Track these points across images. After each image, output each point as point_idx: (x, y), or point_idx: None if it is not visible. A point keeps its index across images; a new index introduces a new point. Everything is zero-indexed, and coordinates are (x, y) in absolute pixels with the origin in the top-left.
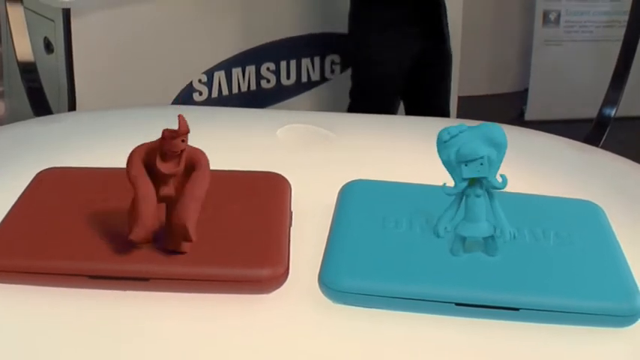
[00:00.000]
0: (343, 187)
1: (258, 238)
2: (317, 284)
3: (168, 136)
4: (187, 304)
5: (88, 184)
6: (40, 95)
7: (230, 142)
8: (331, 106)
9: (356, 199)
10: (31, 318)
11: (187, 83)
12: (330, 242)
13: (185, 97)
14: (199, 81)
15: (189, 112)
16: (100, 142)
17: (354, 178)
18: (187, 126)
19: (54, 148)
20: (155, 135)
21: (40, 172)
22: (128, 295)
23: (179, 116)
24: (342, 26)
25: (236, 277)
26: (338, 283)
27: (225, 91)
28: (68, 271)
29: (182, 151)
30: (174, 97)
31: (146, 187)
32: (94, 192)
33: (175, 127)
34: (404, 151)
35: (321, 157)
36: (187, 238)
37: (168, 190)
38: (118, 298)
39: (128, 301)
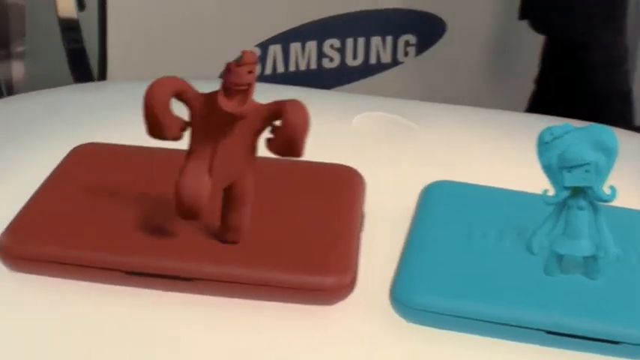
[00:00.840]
0: (425, 188)
1: (323, 241)
2: (387, 298)
3: (234, 64)
4: (235, 311)
5: (131, 164)
6: (82, 58)
7: None
8: (402, 94)
9: (439, 203)
10: (55, 314)
11: (238, 56)
12: (407, 251)
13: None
14: None
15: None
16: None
17: (438, 179)
18: (255, 54)
19: (94, 120)
20: None
21: (77, 146)
22: (168, 296)
23: (243, 51)
24: (420, 2)
25: (295, 283)
26: (412, 298)
27: (280, 68)
28: (101, 264)
29: (249, 85)
30: (220, 71)
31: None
32: (137, 173)
33: None
34: (499, 151)
35: (402, 152)
36: (241, 230)
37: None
38: (156, 299)
39: (167, 303)
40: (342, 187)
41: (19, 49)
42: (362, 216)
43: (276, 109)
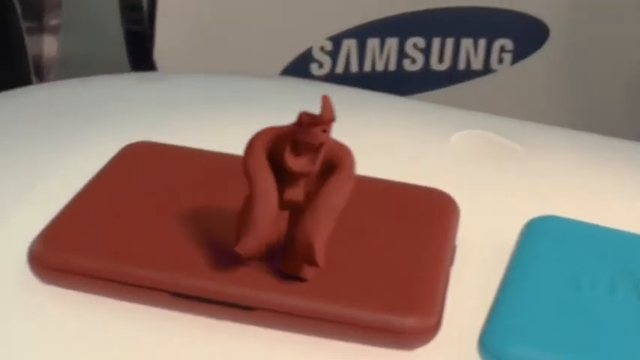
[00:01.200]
0: (529, 222)
1: (406, 275)
2: (476, 347)
3: (307, 122)
4: (299, 348)
5: (188, 170)
6: (143, 43)
7: (385, 141)
8: (493, 107)
9: (544, 242)
10: (89, 336)
11: (305, 50)
12: (501, 294)
13: (299, 69)
14: (321, 49)
15: (333, 92)
16: (209, 117)
17: (544, 213)
18: (333, 112)
19: (150, 115)
20: (281, 118)
21: (128, 145)
22: (223, 326)
23: (324, 98)
24: (521, 3)
25: (370, 322)
26: (504, 349)
27: (354, 67)
28: (144, 281)
29: (321, 144)
30: (284, 65)
31: (267, 185)
32: (194, 181)
33: (312, 109)
34: (617, 185)
35: (505, 178)
36: (312, 262)
37: (295, 193)
38: (209, 329)
39: (222, 333)
40: (432, 213)
41: (54, 21)
42: (453, 249)
43: (332, 164)
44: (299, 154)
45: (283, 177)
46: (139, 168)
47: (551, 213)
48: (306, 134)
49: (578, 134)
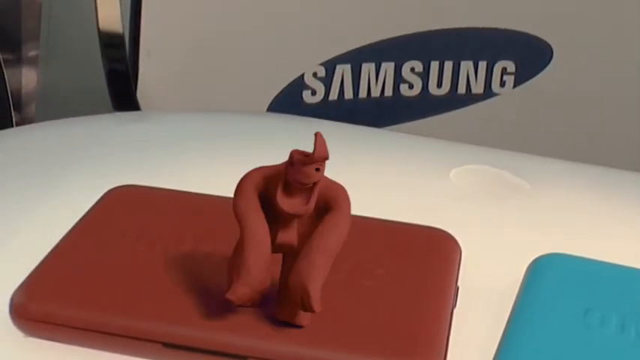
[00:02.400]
0: (534, 261)
1: (407, 318)
2: None
3: (299, 161)
4: None
5: (174, 213)
6: (125, 82)
7: (382, 180)
8: (496, 133)
9: (550, 281)
10: None
11: (296, 77)
12: (508, 336)
13: (291, 97)
14: (314, 75)
15: (326, 129)
16: (194, 157)
17: (550, 251)
18: (326, 150)
19: (134, 157)
20: (268, 156)
21: (112, 189)
22: None
23: (316, 135)
24: (523, 22)
25: None
26: None
27: (348, 94)
28: (133, 332)
29: (315, 184)
30: (275, 94)
31: (258, 228)
32: (180, 225)
33: (300, 146)
34: (628, 222)
35: (508, 216)
36: (308, 307)
37: (288, 236)
38: None
39: None
40: (433, 254)
41: (32, 52)
42: (456, 290)
43: (327, 204)
44: (291, 194)
45: (276, 218)
46: (123, 213)
47: (556, 250)
48: (299, 174)
49: (582, 167)
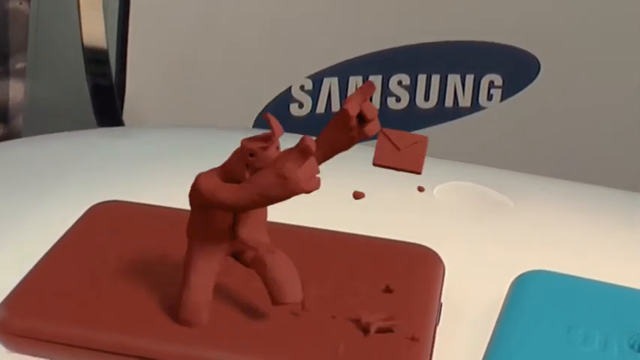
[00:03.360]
0: (517, 278)
1: (390, 335)
2: None
3: (258, 145)
4: None
5: (157, 229)
6: (109, 97)
7: (366, 196)
8: (483, 146)
9: (533, 298)
10: None
11: (283, 90)
12: (491, 353)
13: (279, 109)
14: (301, 88)
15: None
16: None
17: (533, 268)
18: (280, 127)
19: (117, 172)
20: None
21: (95, 205)
22: None
23: (266, 115)
24: (510, 36)
25: None
26: None
27: (335, 106)
28: (116, 347)
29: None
30: (262, 107)
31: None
32: (165, 241)
33: None
34: (612, 238)
35: (491, 233)
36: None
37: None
38: None
39: None
40: (416, 270)
41: (19, 65)
42: (439, 308)
43: None
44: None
45: None
46: (107, 229)
47: (540, 267)
48: (261, 157)
49: (565, 184)
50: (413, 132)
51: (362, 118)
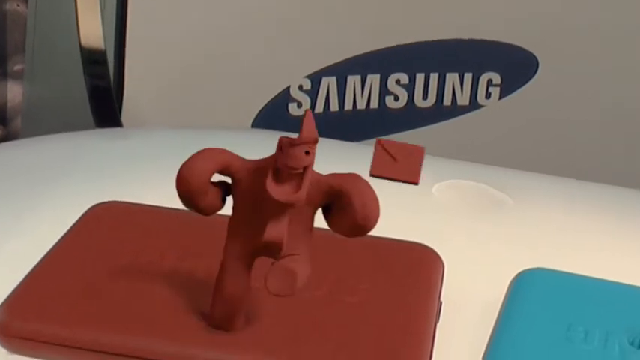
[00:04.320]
0: (517, 276)
1: (390, 333)
2: None
3: (287, 143)
4: None
5: (158, 230)
6: (107, 98)
7: None
8: (481, 145)
9: (533, 295)
10: None
11: (282, 89)
12: (491, 351)
13: (277, 109)
14: (300, 87)
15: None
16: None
17: (533, 266)
18: (315, 131)
19: (116, 173)
20: None
21: (94, 205)
22: None
23: (306, 112)
24: (508, 34)
25: None
26: None
27: (334, 106)
28: (117, 349)
29: (305, 169)
30: (261, 106)
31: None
32: (165, 241)
33: None
34: (611, 235)
35: (491, 231)
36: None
37: (277, 230)
38: None
39: None
40: (416, 269)
41: (17, 67)
42: (439, 306)
43: (339, 190)
44: (282, 182)
45: (265, 213)
46: (106, 230)
47: (539, 265)
48: (288, 157)
49: (565, 181)
50: (412, 131)
51: None
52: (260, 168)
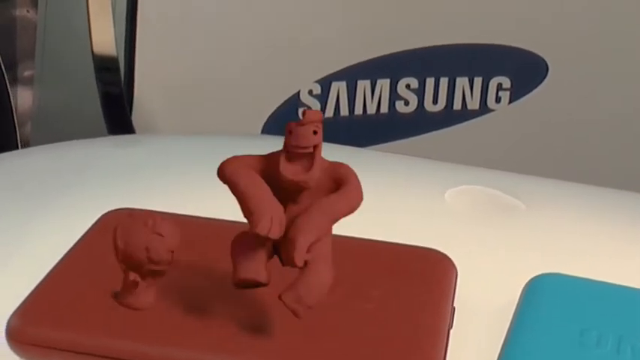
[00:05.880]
0: (530, 281)
1: (403, 339)
2: None
3: (295, 124)
4: None
5: None
6: (120, 105)
7: (376, 201)
8: (492, 149)
9: (546, 301)
10: None
11: (292, 94)
12: (504, 357)
13: (287, 114)
14: (310, 92)
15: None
16: (188, 180)
17: (546, 271)
18: (319, 114)
19: (129, 180)
20: None
21: (107, 212)
22: None
23: (304, 110)
24: (518, 38)
25: None
26: None
27: (344, 111)
28: (129, 355)
29: (315, 148)
30: (271, 111)
31: (253, 177)
32: (180, 248)
33: None
34: (625, 242)
35: (504, 236)
36: (290, 259)
37: (298, 209)
38: None
39: None
40: (429, 275)
41: (27, 72)
42: (452, 312)
43: (345, 176)
44: (294, 163)
45: (283, 195)
46: None
47: (552, 270)
48: (297, 137)
49: (577, 186)
50: (422, 135)
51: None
52: (271, 158)
